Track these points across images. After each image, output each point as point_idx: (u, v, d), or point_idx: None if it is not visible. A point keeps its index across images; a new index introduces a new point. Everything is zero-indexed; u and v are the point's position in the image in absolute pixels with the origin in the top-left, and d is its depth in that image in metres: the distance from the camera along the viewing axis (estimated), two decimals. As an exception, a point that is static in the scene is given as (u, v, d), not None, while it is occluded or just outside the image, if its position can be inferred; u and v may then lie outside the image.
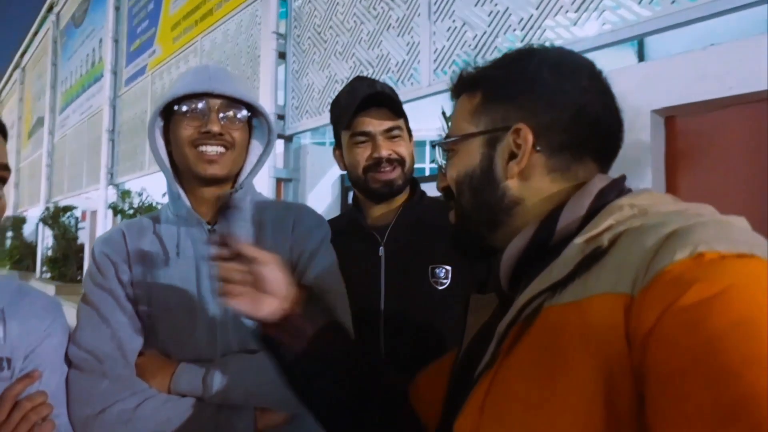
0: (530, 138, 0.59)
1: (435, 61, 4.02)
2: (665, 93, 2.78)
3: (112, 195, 9.43)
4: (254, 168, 1.02)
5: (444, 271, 1.17)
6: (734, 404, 0.36)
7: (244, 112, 0.96)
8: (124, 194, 8.78)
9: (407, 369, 0.85)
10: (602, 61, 0.65)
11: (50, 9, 15.13)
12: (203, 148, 0.91)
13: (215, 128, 0.90)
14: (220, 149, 0.92)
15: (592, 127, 0.60)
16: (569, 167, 0.60)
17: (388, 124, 1.20)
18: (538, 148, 0.59)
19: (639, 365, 0.42)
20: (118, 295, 0.93)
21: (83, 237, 11.63)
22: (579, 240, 0.51)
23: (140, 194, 8.33)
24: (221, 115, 0.92)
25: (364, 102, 1.19)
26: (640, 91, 2.93)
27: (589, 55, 0.66)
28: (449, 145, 0.66)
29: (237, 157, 0.96)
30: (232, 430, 0.86)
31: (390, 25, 4.36)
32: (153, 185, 8.76)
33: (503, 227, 0.63)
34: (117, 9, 10.31)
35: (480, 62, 0.68)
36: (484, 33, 3.64)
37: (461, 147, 0.65)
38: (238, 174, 1.00)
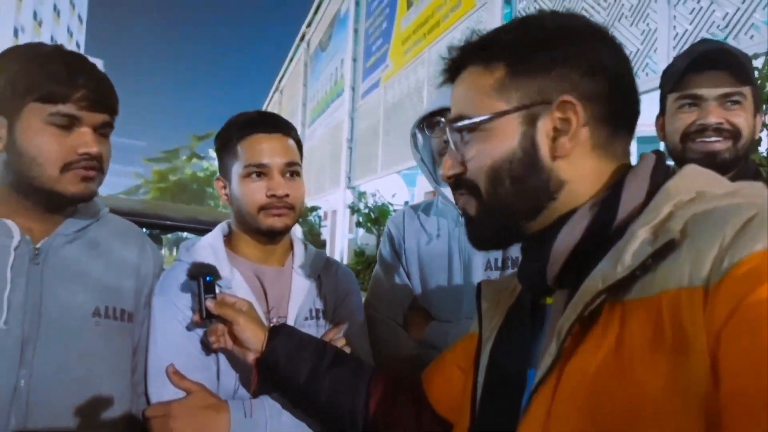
0: (581, 110, 0.54)
1: (675, 47, 3.72)
2: None
3: (349, 197, 10.62)
4: None
5: None
6: None
7: None
8: (361, 195, 9.81)
9: None
10: None
11: (302, 38, 17.67)
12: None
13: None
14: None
15: (627, 96, 0.57)
16: (610, 142, 0.56)
17: (724, 89, 1.04)
18: (584, 121, 0.55)
19: (714, 362, 0.39)
20: (395, 264, 1.22)
21: (325, 234, 13.33)
22: (642, 229, 0.48)
23: (374, 195, 9.23)
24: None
25: (699, 62, 1.06)
26: None
27: None
28: (475, 126, 0.58)
29: None
30: None
31: (622, 14, 4.16)
32: (384, 187, 9.65)
33: (542, 214, 0.57)
34: (356, 31, 11.61)
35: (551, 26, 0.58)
36: (737, 10, 3.26)
37: (492, 127, 0.57)
38: None
